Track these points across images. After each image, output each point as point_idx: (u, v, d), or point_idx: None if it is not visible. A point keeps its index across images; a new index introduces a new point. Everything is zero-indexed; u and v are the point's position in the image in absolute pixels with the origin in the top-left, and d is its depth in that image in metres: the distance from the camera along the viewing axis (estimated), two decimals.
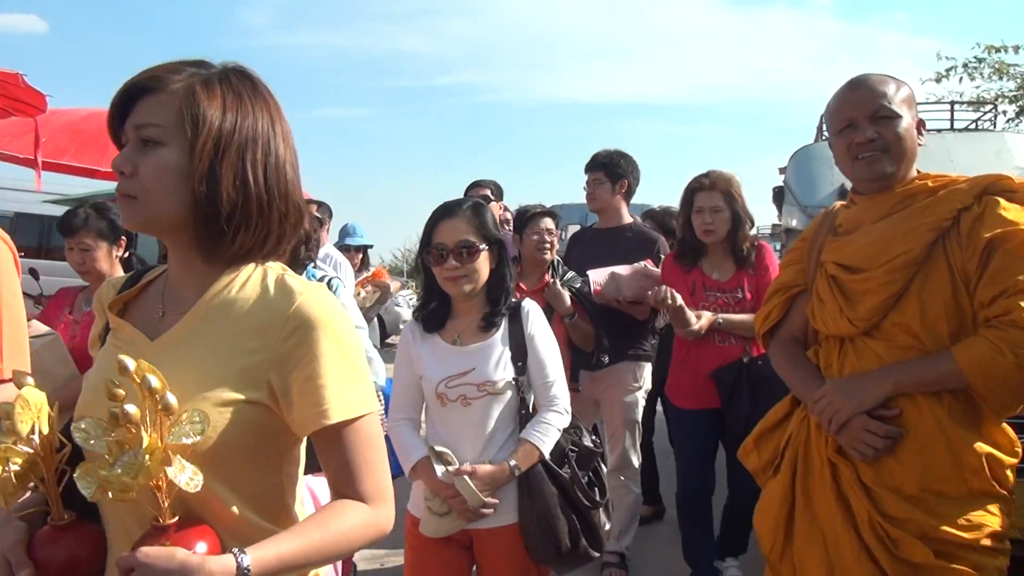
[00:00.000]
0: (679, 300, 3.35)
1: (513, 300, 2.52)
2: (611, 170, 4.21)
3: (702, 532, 3.69)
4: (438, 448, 2.41)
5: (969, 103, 11.13)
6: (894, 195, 2.01)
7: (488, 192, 4.91)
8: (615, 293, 3.81)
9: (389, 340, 12.35)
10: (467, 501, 2.34)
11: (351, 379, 1.22)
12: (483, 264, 2.44)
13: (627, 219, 4.32)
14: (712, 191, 3.56)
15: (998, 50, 13.08)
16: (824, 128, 7.35)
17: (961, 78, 13.43)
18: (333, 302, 1.24)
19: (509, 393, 2.43)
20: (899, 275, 1.92)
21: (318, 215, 4.96)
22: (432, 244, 2.44)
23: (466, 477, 2.33)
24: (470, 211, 2.45)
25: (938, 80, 13.52)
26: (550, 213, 3.85)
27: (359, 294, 5.43)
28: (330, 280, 3.23)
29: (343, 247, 5.86)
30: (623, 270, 3.84)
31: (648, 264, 3.92)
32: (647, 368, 4.15)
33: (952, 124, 7.07)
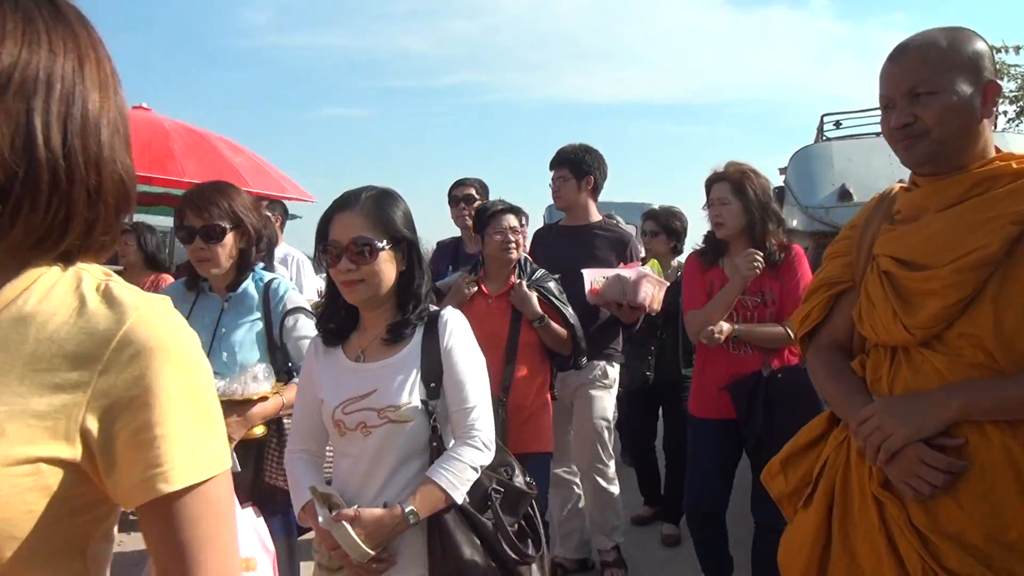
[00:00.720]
0: (722, 335, 3.17)
1: (432, 308, 2.13)
2: (576, 166, 4.02)
3: (715, 549, 3.45)
4: (322, 489, 2.01)
5: None
6: (967, 178, 1.66)
7: (473, 191, 4.65)
8: (619, 296, 3.68)
9: None
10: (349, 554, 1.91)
11: (201, 426, 0.89)
12: (385, 266, 2.02)
13: (595, 217, 4.13)
14: (722, 182, 3.33)
15: (998, 50, 13.07)
16: (824, 128, 7.37)
17: None
18: (178, 321, 0.92)
19: (417, 421, 1.99)
20: (970, 276, 1.57)
21: (269, 212, 4.82)
22: (327, 241, 2.03)
23: (345, 524, 1.89)
24: (371, 203, 2.03)
25: None
26: (513, 209, 3.54)
27: None
28: (275, 282, 2.78)
29: None
30: (629, 274, 3.71)
31: (642, 269, 3.81)
32: (617, 368, 4.06)
33: None
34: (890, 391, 1.70)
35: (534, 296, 3.41)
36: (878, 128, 7.46)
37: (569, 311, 3.49)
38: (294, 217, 13.34)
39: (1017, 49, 12.84)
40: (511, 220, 3.47)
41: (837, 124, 7.19)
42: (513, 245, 3.46)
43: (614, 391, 4.04)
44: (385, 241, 2.01)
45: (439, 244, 4.90)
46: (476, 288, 3.47)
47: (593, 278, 3.71)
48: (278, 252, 4.93)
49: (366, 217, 2.01)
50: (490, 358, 3.25)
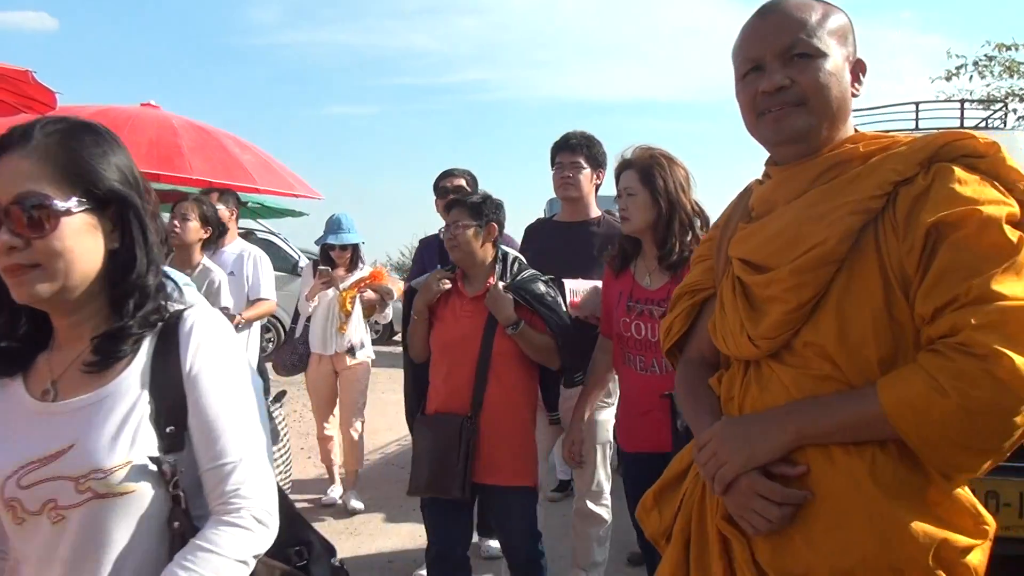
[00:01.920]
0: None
1: (171, 308, 1.36)
2: (592, 156, 3.60)
3: None
4: None
5: (979, 101, 11.09)
6: (817, 163, 1.44)
7: (463, 182, 4.25)
8: (597, 310, 3.19)
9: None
10: None
11: None
12: (76, 241, 1.24)
13: (596, 212, 3.70)
14: (629, 170, 2.89)
15: (1008, 48, 13.02)
16: None
17: (971, 76, 13.39)
18: None
19: (143, 491, 1.25)
20: (810, 276, 1.37)
21: (221, 204, 4.62)
22: None
23: None
24: (53, 141, 1.24)
25: (948, 78, 13.48)
26: (461, 202, 3.09)
27: (351, 300, 5.03)
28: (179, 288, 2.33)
29: (327, 247, 5.18)
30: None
31: None
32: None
33: (962, 123, 7.04)
34: (740, 411, 1.49)
35: (510, 298, 2.93)
36: (882, 126, 7.45)
37: (558, 317, 2.98)
38: (300, 215, 13.37)
39: None
40: (457, 214, 3.05)
41: None
42: (455, 242, 3.02)
43: (614, 408, 3.43)
44: (75, 200, 1.23)
45: (422, 241, 4.59)
46: (448, 285, 3.06)
47: (573, 289, 3.23)
48: (231, 249, 4.68)
49: (42, 162, 1.22)
50: (461, 369, 2.96)
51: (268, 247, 11.67)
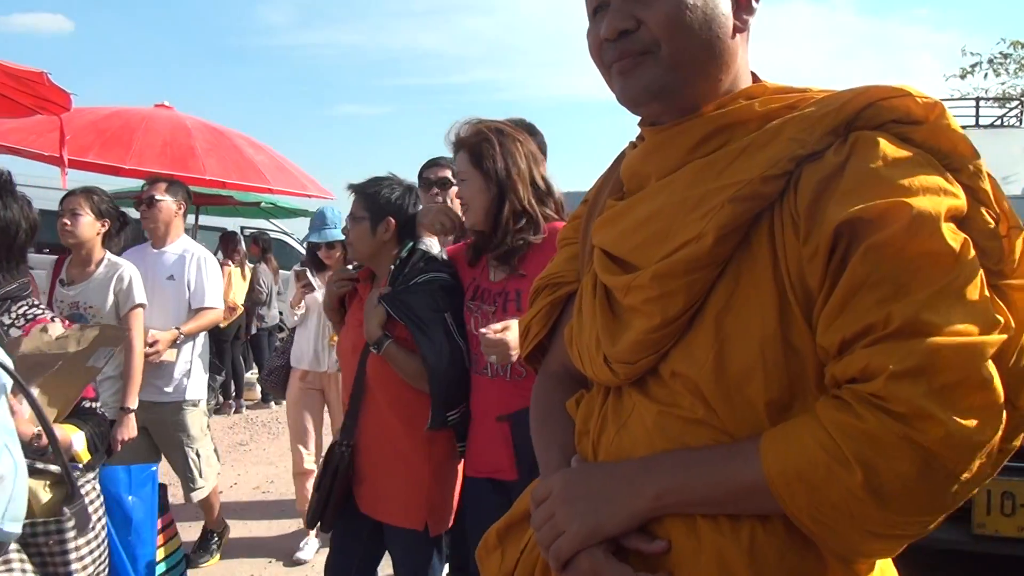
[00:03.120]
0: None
1: None
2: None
3: None
4: None
5: (995, 99, 11.02)
6: (696, 126, 1.07)
7: (449, 174, 3.70)
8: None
9: None
10: None
11: None
12: None
13: None
14: (459, 152, 2.40)
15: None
16: None
17: (986, 74, 13.30)
18: None
19: None
20: (678, 284, 1.00)
21: (169, 195, 3.89)
22: None
23: None
24: None
25: (963, 76, 13.39)
26: (354, 190, 2.66)
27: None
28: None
29: (313, 246, 4.61)
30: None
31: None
32: None
33: (977, 120, 7.00)
34: (593, 454, 1.12)
35: (381, 310, 2.41)
36: None
37: (430, 339, 2.34)
38: (312, 214, 13.42)
39: None
40: (352, 205, 2.64)
41: None
42: (347, 237, 2.68)
43: None
44: None
45: None
46: (346, 288, 2.69)
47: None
48: (172, 249, 3.96)
49: None
50: (348, 385, 2.57)
51: (280, 247, 11.74)
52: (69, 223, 3.55)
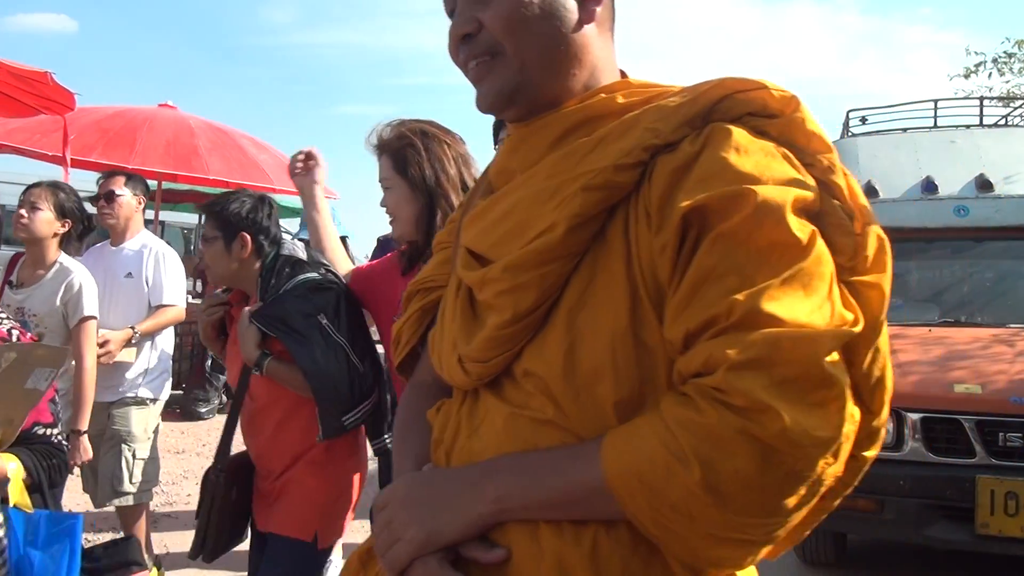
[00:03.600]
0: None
1: None
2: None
3: None
4: None
5: (999, 98, 10.99)
6: (559, 120, 1.06)
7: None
8: None
9: None
10: None
11: None
12: None
13: None
14: (382, 157, 2.22)
15: None
16: (849, 123, 7.31)
17: (991, 73, 13.26)
18: None
19: None
20: (529, 277, 0.97)
21: (127, 189, 3.67)
22: None
23: None
24: None
25: (967, 75, 13.35)
26: (206, 210, 2.46)
27: None
28: None
29: (304, 241, 4.35)
30: None
31: None
32: None
33: (981, 120, 6.97)
34: (447, 460, 1.06)
35: (254, 329, 2.26)
36: (905, 124, 7.41)
37: (307, 348, 2.20)
38: None
39: None
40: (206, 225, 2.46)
41: (863, 120, 7.13)
42: (205, 261, 2.45)
43: None
44: None
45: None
46: (218, 314, 2.50)
47: None
48: (130, 245, 3.72)
49: None
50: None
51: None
52: (25, 216, 3.19)
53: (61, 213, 3.25)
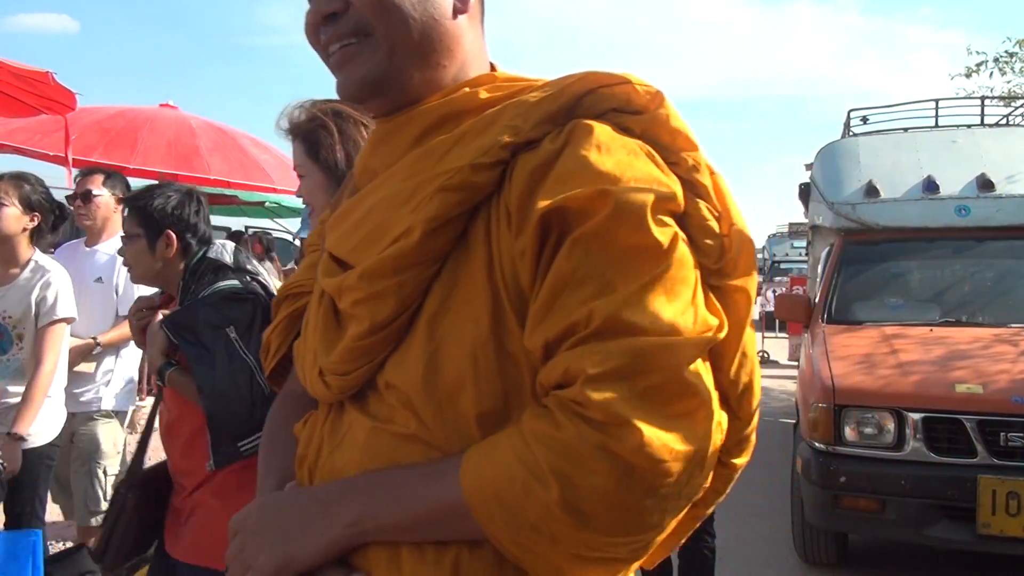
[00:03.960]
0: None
1: None
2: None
3: None
4: None
5: (1000, 98, 10.98)
6: (421, 115, 0.99)
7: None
8: None
9: None
10: None
11: None
12: None
13: None
14: (294, 141, 2.02)
15: None
16: (850, 123, 7.31)
17: (991, 73, 13.24)
18: None
19: None
20: (386, 285, 0.91)
21: (106, 188, 3.47)
22: None
23: None
24: None
25: (968, 75, 13.34)
26: (127, 204, 2.32)
27: None
28: None
29: (286, 241, 4.02)
30: None
31: None
32: None
33: (983, 119, 6.97)
34: (310, 479, 1.00)
35: (162, 335, 2.10)
36: (906, 124, 7.42)
37: (207, 360, 2.02)
38: None
39: None
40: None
41: (864, 120, 7.14)
42: (124, 260, 2.31)
43: None
44: None
45: None
46: (148, 317, 2.27)
47: None
48: (104, 248, 3.54)
49: None
50: None
51: (284, 247, 11.75)
52: None
53: (28, 207, 3.04)
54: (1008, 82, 13.36)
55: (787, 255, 22.84)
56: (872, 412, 3.73)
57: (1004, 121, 7.60)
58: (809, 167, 6.30)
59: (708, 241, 0.88)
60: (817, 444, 3.79)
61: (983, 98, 7.95)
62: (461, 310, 0.88)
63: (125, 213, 2.28)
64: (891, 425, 3.67)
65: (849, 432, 3.73)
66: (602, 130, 0.87)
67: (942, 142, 5.75)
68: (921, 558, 4.29)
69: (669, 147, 0.90)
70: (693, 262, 0.85)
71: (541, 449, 0.79)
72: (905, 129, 6.52)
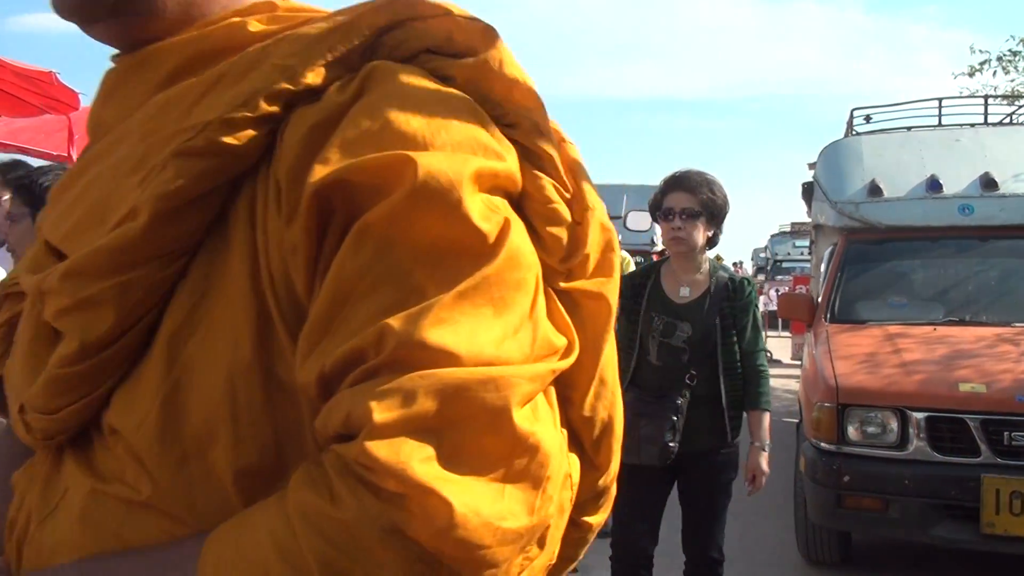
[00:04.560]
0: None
1: None
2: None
3: None
4: None
5: (1004, 97, 10.97)
6: (172, 48, 0.70)
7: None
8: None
9: None
10: None
11: None
12: None
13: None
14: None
15: None
16: (854, 122, 7.30)
17: (995, 72, 13.23)
18: None
19: None
20: (101, 290, 0.62)
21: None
22: None
23: None
24: None
25: (971, 74, 13.33)
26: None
27: None
28: None
29: None
30: None
31: None
32: None
33: (986, 118, 6.96)
34: (18, 556, 0.70)
35: None
36: (909, 123, 7.42)
37: None
38: None
39: None
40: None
41: (867, 118, 7.14)
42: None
43: None
44: None
45: None
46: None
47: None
48: None
49: None
50: None
51: None
52: None
53: None
54: (1012, 81, 13.36)
55: (788, 254, 22.85)
56: (876, 411, 3.73)
57: (1008, 120, 7.59)
58: (812, 166, 6.30)
59: (554, 231, 0.64)
60: (820, 443, 3.79)
61: (987, 97, 7.94)
62: (214, 327, 0.62)
63: (9, 195, 2.16)
64: (895, 424, 3.67)
65: (852, 431, 3.73)
66: (410, 77, 0.63)
67: (946, 141, 5.74)
68: (925, 558, 4.29)
69: (503, 103, 0.66)
70: (532, 260, 0.62)
71: (307, 533, 0.53)
72: (908, 128, 6.51)
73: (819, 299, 5.19)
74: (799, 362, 6.27)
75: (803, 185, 6.63)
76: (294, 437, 0.62)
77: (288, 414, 0.62)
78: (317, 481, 0.55)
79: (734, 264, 27.61)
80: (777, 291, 13.26)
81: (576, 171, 0.69)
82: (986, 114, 7.09)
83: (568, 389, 0.65)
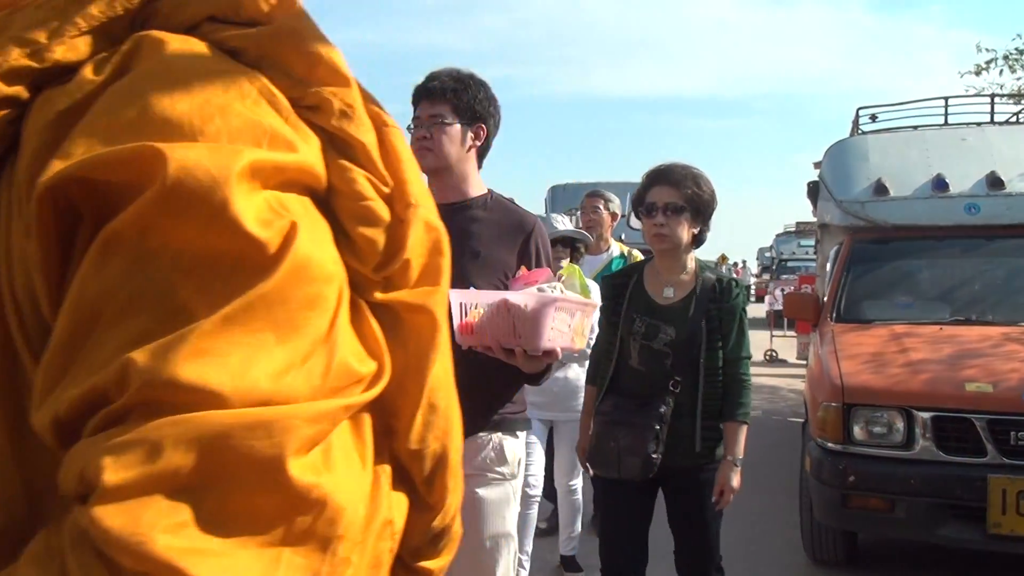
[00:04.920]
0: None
1: None
2: (460, 102, 2.17)
3: None
4: None
5: (1010, 96, 10.94)
6: None
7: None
8: (507, 336, 1.84)
9: None
10: None
11: None
12: None
13: (480, 188, 2.22)
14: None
15: None
16: (859, 121, 7.28)
17: (1001, 70, 13.18)
18: None
19: None
20: None
21: None
22: None
23: None
24: None
25: (978, 72, 13.28)
26: None
27: None
28: None
29: None
30: (522, 298, 1.84)
31: (547, 287, 1.89)
32: (522, 441, 2.22)
33: (992, 117, 6.94)
34: None
35: None
36: (914, 122, 7.38)
37: None
38: None
39: None
40: None
41: (873, 117, 7.12)
42: None
43: (518, 484, 2.22)
44: None
45: None
46: None
47: (465, 303, 1.88)
48: None
49: None
50: None
51: None
52: None
53: None
54: (1018, 79, 13.31)
55: (794, 254, 22.83)
56: (881, 411, 3.72)
57: (1014, 119, 7.56)
58: (818, 165, 6.29)
59: (368, 232, 0.54)
60: (826, 443, 3.78)
61: (993, 95, 7.92)
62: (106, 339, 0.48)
63: None
64: (901, 424, 3.66)
65: (858, 431, 3.72)
66: (186, 49, 0.52)
67: (951, 140, 5.73)
68: (930, 558, 4.27)
69: (304, 81, 0.55)
70: (332, 271, 0.51)
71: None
72: (914, 127, 6.49)
73: (825, 298, 5.18)
74: (805, 362, 6.26)
75: (809, 184, 6.62)
76: (42, 493, 0.49)
77: (36, 465, 0.50)
78: (52, 555, 0.44)
79: (735, 264, 27.57)
80: (783, 290, 13.23)
81: (396, 160, 0.57)
82: (992, 113, 7.07)
83: (391, 418, 0.55)
